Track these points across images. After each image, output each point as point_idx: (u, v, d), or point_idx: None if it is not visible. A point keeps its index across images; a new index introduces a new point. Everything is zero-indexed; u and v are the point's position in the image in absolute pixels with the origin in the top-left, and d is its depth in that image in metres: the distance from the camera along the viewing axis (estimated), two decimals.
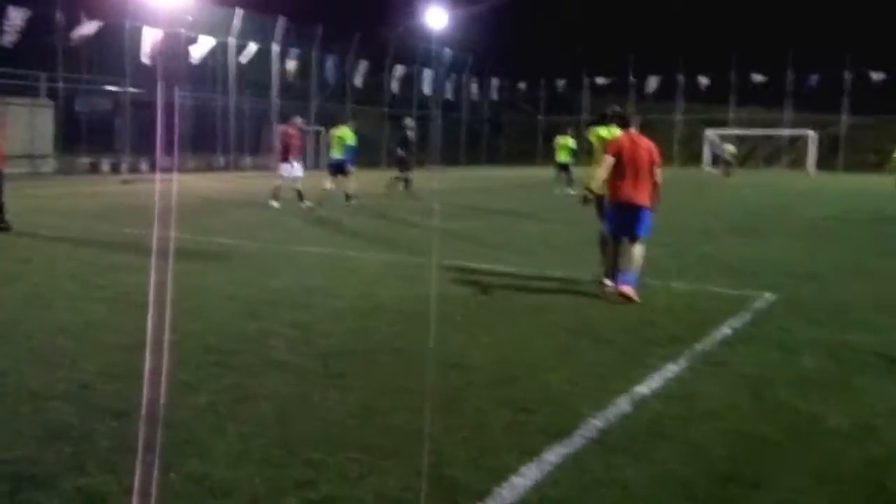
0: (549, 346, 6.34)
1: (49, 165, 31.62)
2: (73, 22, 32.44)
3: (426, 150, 48.58)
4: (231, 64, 38.33)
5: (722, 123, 53.26)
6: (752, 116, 52.73)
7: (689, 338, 6.56)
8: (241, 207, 18.82)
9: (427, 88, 49.78)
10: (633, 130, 8.49)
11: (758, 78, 52.15)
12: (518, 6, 57.40)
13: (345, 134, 18.48)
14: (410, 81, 48.33)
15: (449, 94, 52.29)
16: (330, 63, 42.81)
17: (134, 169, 33.26)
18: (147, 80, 33.62)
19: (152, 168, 32.71)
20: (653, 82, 55.10)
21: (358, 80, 44.78)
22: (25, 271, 9.35)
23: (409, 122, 24.00)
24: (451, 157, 51.69)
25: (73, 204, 18.96)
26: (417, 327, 6.72)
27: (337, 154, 18.55)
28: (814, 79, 50.62)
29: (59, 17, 32.27)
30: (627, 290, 7.94)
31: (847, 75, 50.56)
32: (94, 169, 32.97)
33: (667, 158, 26.85)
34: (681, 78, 55.11)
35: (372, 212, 17.75)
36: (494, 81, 56.55)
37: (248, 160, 39.19)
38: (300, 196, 17.65)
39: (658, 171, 8.39)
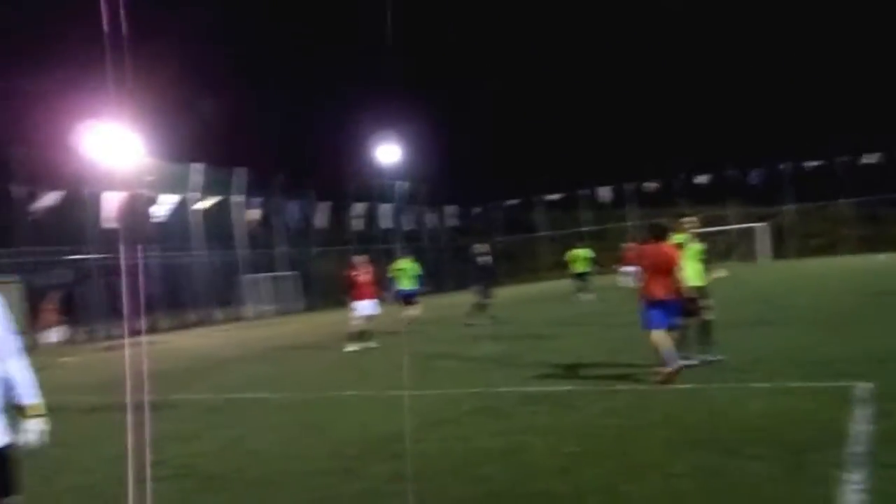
0: (699, 468, 5.88)
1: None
2: (33, 195, 31.98)
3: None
4: (194, 219, 38.06)
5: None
6: (701, 216, 53.68)
7: (833, 440, 6.16)
8: (246, 361, 18.11)
9: (386, 222, 49.95)
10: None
11: (701, 179, 53.52)
12: (463, 133, 58.84)
13: (408, 266, 20.38)
14: (371, 217, 48.54)
15: (409, 225, 52.55)
16: (292, 208, 42.81)
17: (108, 336, 32.27)
18: (111, 244, 33.06)
19: (132, 332, 31.75)
20: (604, 192, 56.21)
21: (320, 222, 44.75)
22: (74, 457, 8.62)
23: (479, 247, 22.61)
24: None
25: (66, 377, 17.95)
26: (532, 464, 6.23)
27: (407, 285, 20.20)
28: (755, 174, 52.10)
29: (16, 191, 31.84)
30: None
31: (785, 166, 52.18)
32: (70, 340, 31.87)
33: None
34: (629, 186, 56.37)
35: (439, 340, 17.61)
36: (450, 209, 57.10)
37: (219, 313, 38.42)
38: (368, 335, 17.25)
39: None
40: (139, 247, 34.59)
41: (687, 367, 9.88)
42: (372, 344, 17.14)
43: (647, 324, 9.91)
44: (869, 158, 47.80)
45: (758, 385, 8.81)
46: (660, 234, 10.24)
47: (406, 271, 20.32)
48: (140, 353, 22.98)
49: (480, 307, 21.18)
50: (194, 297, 38.05)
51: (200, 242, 38.53)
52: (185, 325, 35.84)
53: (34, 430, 3.97)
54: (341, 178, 47.31)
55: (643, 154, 54.81)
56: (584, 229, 54.43)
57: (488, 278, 22.03)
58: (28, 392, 3.98)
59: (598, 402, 8.80)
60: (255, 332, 28.51)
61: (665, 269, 9.78)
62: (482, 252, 22.30)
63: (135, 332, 30.45)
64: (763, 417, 7.28)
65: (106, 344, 28.82)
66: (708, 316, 10.76)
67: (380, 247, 47.94)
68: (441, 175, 54.55)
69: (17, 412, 3.92)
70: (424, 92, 57.57)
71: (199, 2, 56.38)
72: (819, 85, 56.98)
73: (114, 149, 31.49)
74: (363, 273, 17.74)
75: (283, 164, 42.34)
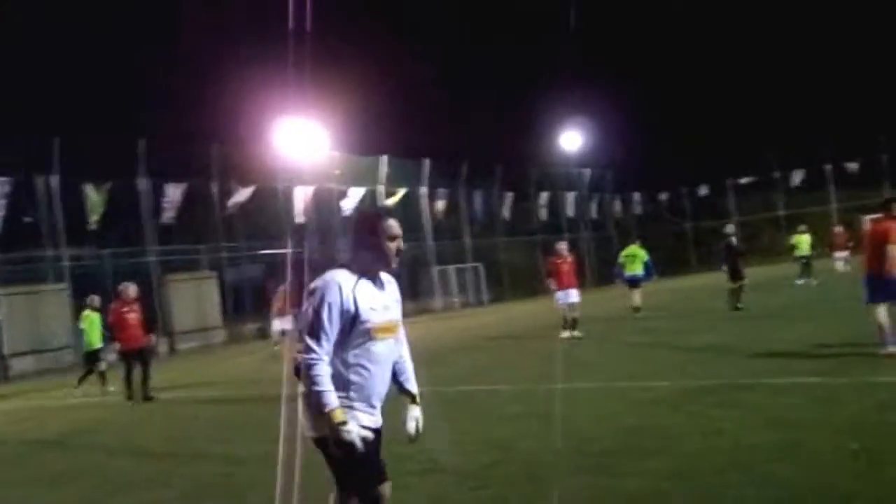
0: None
1: (219, 336, 31.25)
2: (227, 192, 32.58)
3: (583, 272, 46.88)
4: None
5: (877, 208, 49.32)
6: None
7: None
8: (462, 351, 17.32)
9: (571, 211, 48.46)
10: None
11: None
12: (648, 118, 56.42)
13: (637, 252, 20.47)
14: (555, 206, 47.22)
15: (594, 214, 50.85)
16: (477, 199, 42.20)
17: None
18: (304, 238, 33.34)
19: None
20: (797, 176, 52.09)
21: (505, 212, 43.92)
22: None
23: (730, 228, 21.49)
24: (605, 277, 49.71)
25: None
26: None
27: (636, 270, 20.28)
28: None
29: (213, 188, 32.56)
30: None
31: None
32: (262, 334, 32.34)
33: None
34: (828, 167, 51.93)
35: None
36: (636, 196, 54.88)
37: (409, 305, 38.18)
38: (574, 324, 16.74)
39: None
40: (330, 241, 34.83)
41: None
42: (577, 333, 16.53)
43: (866, 298, 10.06)
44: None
45: None
46: (890, 207, 10.11)
47: (636, 257, 20.43)
48: None
49: (737, 290, 19.45)
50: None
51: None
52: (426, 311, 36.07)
53: (418, 417, 4.09)
54: (525, 168, 46.32)
55: (842, 133, 50.25)
56: (780, 213, 50.85)
57: (739, 258, 20.14)
58: (413, 379, 4.15)
59: (856, 395, 7.72)
60: (455, 323, 27.94)
61: (881, 244, 9.80)
62: (731, 233, 20.85)
63: None
64: None
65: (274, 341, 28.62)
66: None
67: (565, 236, 46.48)
68: (626, 161, 52.50)
69: (407, 398, 4.11)
70: (606, 78, 55.63)
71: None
72: None
73: (303, 144, 31.72)
74: (567, 261, 17.41)
75: (466, 155, 41.64)
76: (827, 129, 50.80)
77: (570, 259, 17.53)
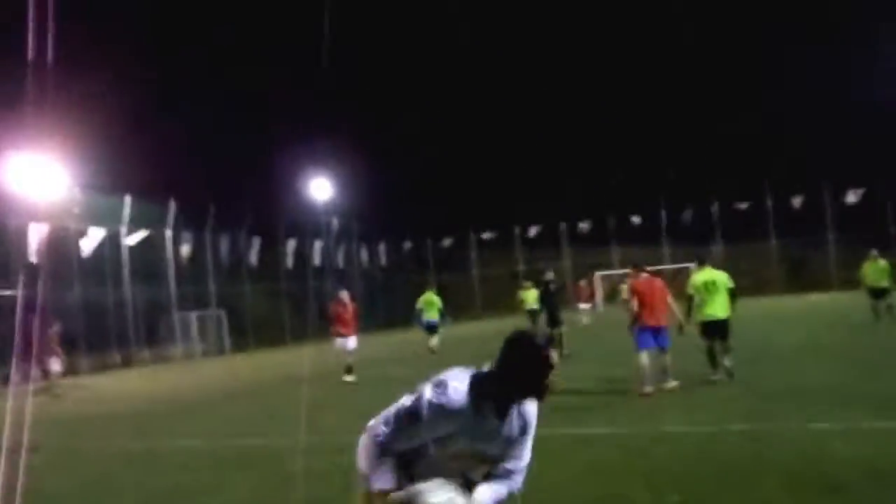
0: None
1: None
2: None
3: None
4: (124, 254, 36.20)
5: (607, 265, 54.25)
6: (633, 256, 54.03)
7: None
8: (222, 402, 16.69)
9: (318, 259, 48.61)
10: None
11: (635, 220, 53.89)
12: (395, 170, 58.37)
13: (433, 299, 21.95)
14: (302, 254, 47.20)
15: (340, 263, 51.33)
16: (224, 242, 41.20)
17: (26, 377, 30.00)
18: (35, 279, 30.98)
19: (44, 375, 29.48)
20: (533, 231, 56.03)
21: (252, 258, 43.22)
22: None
23: (550, 274, 21.00)
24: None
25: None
26: None
27: (433, 316, 21.75)
28: (687, 215, 52.58)
29: None
30: None
31: (715, 208, 52.99)
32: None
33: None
34: (563, 225, 56.44)
35: None
36: (381, 247, 56.20)
37: (146, 353, 36.46)
38: (349, 370, 17.33)
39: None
40: (65, 283, 32.57)
41: None
42: (352, 378, 17.16)
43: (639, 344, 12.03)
44: (796, 201, 48.96)
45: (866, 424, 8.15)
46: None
47: (433, 304, 21.89)
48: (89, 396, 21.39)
49: (558, 336, 18.75)
50: (120, 335, 35.97)
51: (129, 278, 36.63)
52: (107, 366, 33.68)
53: None
54: (272, 214, 45.87)
55: (576, 195, 55.01)
56: (519, 269, 54.19)
57: (557, 304, 20.01)
58: None
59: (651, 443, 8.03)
60: (205, 371, 26.91)
61: (661, 298, 12.29)
62: (551, 279, 20.59)
63: (56, 375, 28.24)
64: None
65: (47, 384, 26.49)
66: None
67: (310, 284, 46.71)
68: (372, 212, 53.73)
69: None
70: (356, 129, 57.04)
71: (131, 31, 54.53)
72: (749, 131, 58.62)
73: (39, 180, 29.77)
74: (348, 309, 18.16)
75: (214, 197, 40.69)
76: (561, 190, 55.31)
77: (350, 307, 18.27)
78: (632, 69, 66.38)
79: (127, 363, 34.96)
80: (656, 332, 11.93)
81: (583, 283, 35.42)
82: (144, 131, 47.05)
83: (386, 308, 54.08)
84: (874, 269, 21.51)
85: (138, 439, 11.95)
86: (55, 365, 23.86)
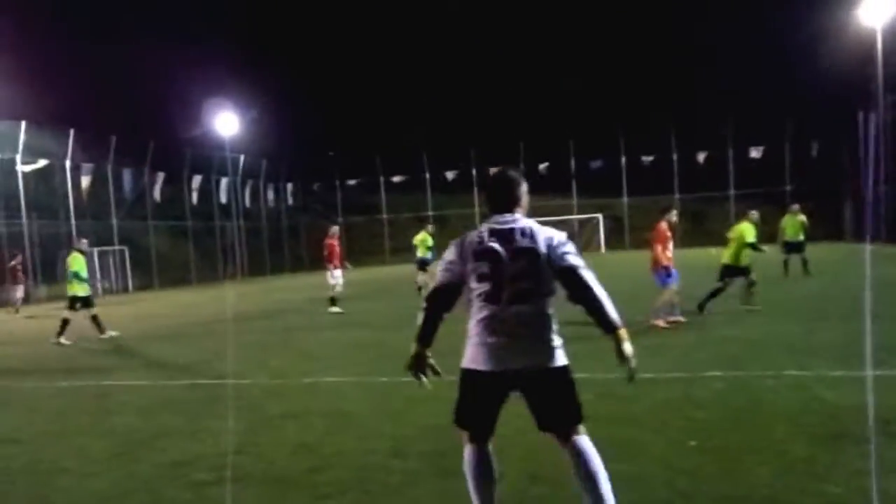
0: None
1: None
2: None
3: (233, 261, 46.09)
4: (19, 184, 34.12)
5: None
6: (543, 204, 54.50)
7: None
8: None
9: (224, 197, 47.20)
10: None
11: (543, 166, 54.06)
12: (307, 110, 56.97)
13: (427, 238, 22.50)
14: (209, 192, 45.72)
15: (247, 202, 50.02)
16: (127, 177, 39.40)
17: None
18: None
19: None
20: (449, 176, 55.63)
21: (156, 194, 41.52)
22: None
23: (430, 228, 23.72)
24: (256, 267, 49.24)
25: None
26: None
27: (424, 253, 22.26)
28: (595, 164, 53.10)
29: None
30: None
31: (623, 160, 53.73)
32: None
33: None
34: (474, 171, 56.29)
35: None
36: (289, 186, 55.03)
37: (42, 290, 34.69)
38: (333, 301, 18.86)
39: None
40: None
41: None
42: (337, 309, 18.60)
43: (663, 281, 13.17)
44: (700, 157, 50.13)
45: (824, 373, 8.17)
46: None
47: (425, 241, 22.47)
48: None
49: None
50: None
51: (24, 210, 34.56)
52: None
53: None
54: (177, 148, 44.14)
55: (489, 139, 54.73)
56: (429, 213, 53.79)
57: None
58: None
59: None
60: (124, 310, 25.56)
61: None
62: (431, 232, 23.28)
63: None
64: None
65: None
66: None
67: (216, 223, 45.42)
68: (281, 151, 52.44)
69: None
70: (268, 67, 55.27)
71: None
72: (655, 83, 59.44)
73: None
74: (338, 244, 19.33)
75: (116, 129, 38.76)
76: (474, 135, 54.95)
77: (337, 241, 19.49)
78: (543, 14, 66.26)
79: (24, 300, 33.16)
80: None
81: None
82: (41, 56, 44.37)
83: (291, 250, 53.19)
84: (793, 223, 22.20)
85: (73, 379, 11.20)
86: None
